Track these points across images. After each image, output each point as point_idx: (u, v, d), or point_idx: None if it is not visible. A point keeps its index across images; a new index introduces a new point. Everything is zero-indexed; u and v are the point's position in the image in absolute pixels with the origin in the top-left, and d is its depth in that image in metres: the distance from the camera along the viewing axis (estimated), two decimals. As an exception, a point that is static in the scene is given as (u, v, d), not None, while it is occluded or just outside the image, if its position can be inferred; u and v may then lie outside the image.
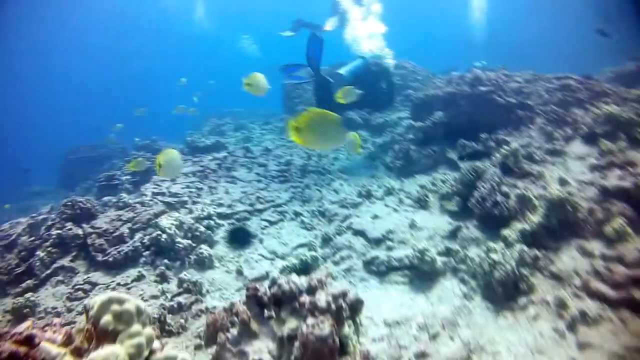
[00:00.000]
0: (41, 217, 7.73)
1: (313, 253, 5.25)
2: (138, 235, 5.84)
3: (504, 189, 5.17)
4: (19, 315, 4.96)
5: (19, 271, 6.02)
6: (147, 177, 8.74)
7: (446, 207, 5.93)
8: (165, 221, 5.76)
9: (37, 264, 5.91)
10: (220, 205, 6.79)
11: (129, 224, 6.10)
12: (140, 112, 13.95)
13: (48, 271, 5.88)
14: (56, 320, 2.76)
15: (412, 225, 5.60)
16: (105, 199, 7.87)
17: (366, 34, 9.66)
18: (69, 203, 6.39)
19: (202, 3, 35.61)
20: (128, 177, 8.96)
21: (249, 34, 25.03)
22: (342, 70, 8.45)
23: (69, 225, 6.22)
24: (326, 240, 5.83)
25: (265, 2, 46.77)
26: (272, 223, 6.46)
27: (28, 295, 5.19)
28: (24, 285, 5.76)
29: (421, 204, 6.25)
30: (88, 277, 5.57)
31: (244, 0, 46.39)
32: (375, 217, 6.05)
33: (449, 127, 7.94)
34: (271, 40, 14.33)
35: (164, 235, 5.51)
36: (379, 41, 9.58)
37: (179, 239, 5.54)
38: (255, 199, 7.01)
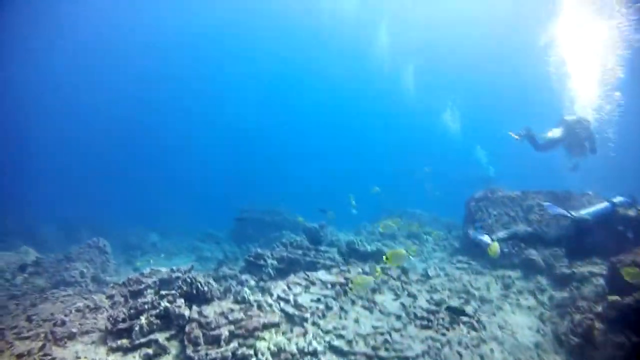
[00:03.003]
0: (174, 275, 7.57)
1: None
2: (233, 345, 4.97)
3: None
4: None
5: (122, 327, 5.74)
6: (295, 268, 8.13)
7: None
8: (263, 342, 4.78)
9: (137, 327, 5.53)
10: (340, 337, 5.54)
11: (233, 326, 5.31)
12: (375, 190, 13.34)
13: (142, 340, 5.45)
14: None
15: None
16: (233, 283, 7.41)
17: None
18: (188, 280, 5.97)
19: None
20: (274, 262, 8.41)
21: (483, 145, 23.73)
22: (584, 212, 7.53)
23: (179, 302, 5.76)
24: None
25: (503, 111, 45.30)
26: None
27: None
28: (119, 343, 5.47)
29: None
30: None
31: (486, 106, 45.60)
32: None
33: None
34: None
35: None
36: None
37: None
38: (383, 341, 5.58)
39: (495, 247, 7.25)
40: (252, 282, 7.88)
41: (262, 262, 8.48)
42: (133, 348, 5.43)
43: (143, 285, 7.15)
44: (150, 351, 5.32)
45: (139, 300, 6.08)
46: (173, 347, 5.41)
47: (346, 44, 46.13)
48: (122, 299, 6.95)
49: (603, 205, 7.63)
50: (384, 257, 6.16)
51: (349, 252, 9.01)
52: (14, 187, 31.51)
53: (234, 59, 51.59)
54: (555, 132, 10.45)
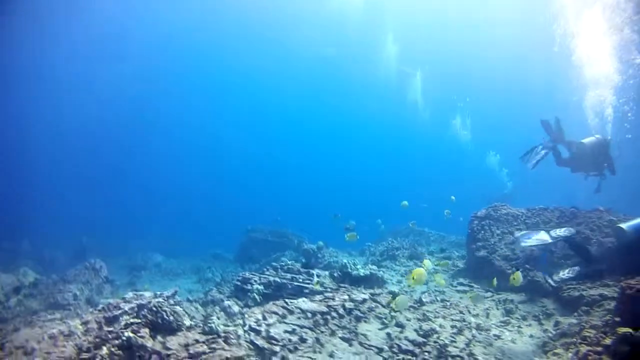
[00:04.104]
0: (155, 301, 7.31)
1: None
2: (188, 382, 4.64)
3: None
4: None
5: (84, 357, 5.48)
6: (282, 294, 7.76)
7: None
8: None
9: (98, 358, 5.26)
10: (309, 376, 5.13)
11: (194, 360, 4.98)
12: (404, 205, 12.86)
13: (102, 374, 5.17)
14: None
15: None
16: (217, 309, 7.10)
17: None
18: (154, 308, 5.69)
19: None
20: (261, 287, 8.06)
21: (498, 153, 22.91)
22: (625, 225, 7.21)
23: (144, 332, 5.47)
24: None
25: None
26: None
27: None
28: (78, 378, 5.20)
29: None
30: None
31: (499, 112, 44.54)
32: None
33: None
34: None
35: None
36: None
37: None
38: (357, 382, 5.14)
39: (518, 276, 7.02)
40: (236, 308, 7.54)
41: (248, 286, 8.17)
42: (91, 383, 5.16)
43: (119, 312, 6.90)
44: (108, 385, 5.04)
45: (105, 329, 5.84)
46: (134, 381, 5.12)
47: (352, 49, 45.41)
48: (96, 325, 6.72)
49: None
50: (412, 277, 5.92)
51: (342, 276, 8.61)
52: (23, 202, 32.07)
53: (236, 74, 51.92)
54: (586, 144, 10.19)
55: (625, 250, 7.11)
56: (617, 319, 6.07)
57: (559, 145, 10.92)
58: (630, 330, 5.17)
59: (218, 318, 6.99)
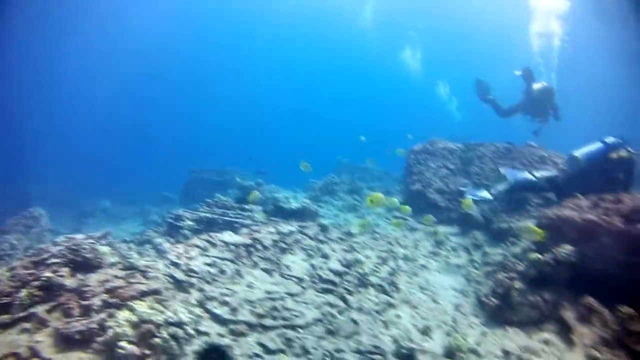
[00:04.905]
0: (86, 242, 7.37)
1: None
2: (101, 316, 4.82)
3: None
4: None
5: (4, 301, 5.58)
6: (213, 229, 7.94)
7: None
8: (127, 313, 4.64)
9: (17, 301, 5.37)
10: (224, 304, 5.40)
11: (108, 295, 5.16)
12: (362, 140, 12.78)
13: (22, 314, 5.29)
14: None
15: None
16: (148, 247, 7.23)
17: None
18: (74, 247, 5.78)
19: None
20: (192, 223, 8.23)
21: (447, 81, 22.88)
22: (578, 154, 7.47)
23: (63, 271, 5.60)
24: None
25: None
26: (268, 352, 4.82)
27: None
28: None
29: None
30: (39, 341, 4.77)
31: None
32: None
33: (577, 272, 5.49)
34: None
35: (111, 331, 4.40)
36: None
37: (122, 343, 4.34)
38: (271, 308, 5.45)
39: (469, 202, 7.41)
40: (167, 245, 7.70)
41: (180, 223, 8.32)
42: (12, 323, 5.27)
43: (47, 255, 6.95)
44: (28, 325, 5.18)
45: (23, 271, 5.91)
46: (54, 320, 5.28)
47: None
48: (22, 271, 6.77)
49: (596, 145, 7.51)
50: (369, 199, 6.13)
51: (275, 210, 8.85)
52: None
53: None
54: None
55: (578, 178, 7.44)
56: (533, 245, 6.56)
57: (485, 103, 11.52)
58: (539, 255, 5.74)
59: (149, 255, 7.18)
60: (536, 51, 13.15)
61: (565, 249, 5.55)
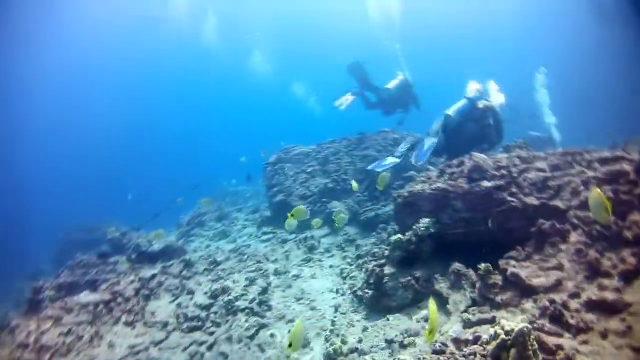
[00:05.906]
0: None
1: None
2: None
3: None
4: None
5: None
6: (75, 292, 7.62)
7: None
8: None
9: None
10: (85, 371, 5.33)
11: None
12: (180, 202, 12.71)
13: None
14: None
15: None
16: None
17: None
18: None
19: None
20: (52, 293, 7.85)
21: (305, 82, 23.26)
22: (450, 112, 7.85)
23: None
24: None
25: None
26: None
27: None
28: None
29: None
30: None
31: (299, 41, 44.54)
32: None
33: (440, 242, 5.74)
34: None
35: None
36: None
37: None
38: (131, 366, 5.45)
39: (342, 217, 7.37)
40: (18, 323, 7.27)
41: (40, 296, 7.89)
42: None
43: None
44: None
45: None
46: None
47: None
48: None
49: (462, 102, 7.99)
50: (290, 215, 5.73)
51: (138, 256, 8.67)
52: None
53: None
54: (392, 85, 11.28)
55: (457, 131, 7.93)
56: (397, 227, 6.83)
57: (367, 92, 11.86)
58: (400, 236, 5.83)
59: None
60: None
61: (424, 223, 5.64)
